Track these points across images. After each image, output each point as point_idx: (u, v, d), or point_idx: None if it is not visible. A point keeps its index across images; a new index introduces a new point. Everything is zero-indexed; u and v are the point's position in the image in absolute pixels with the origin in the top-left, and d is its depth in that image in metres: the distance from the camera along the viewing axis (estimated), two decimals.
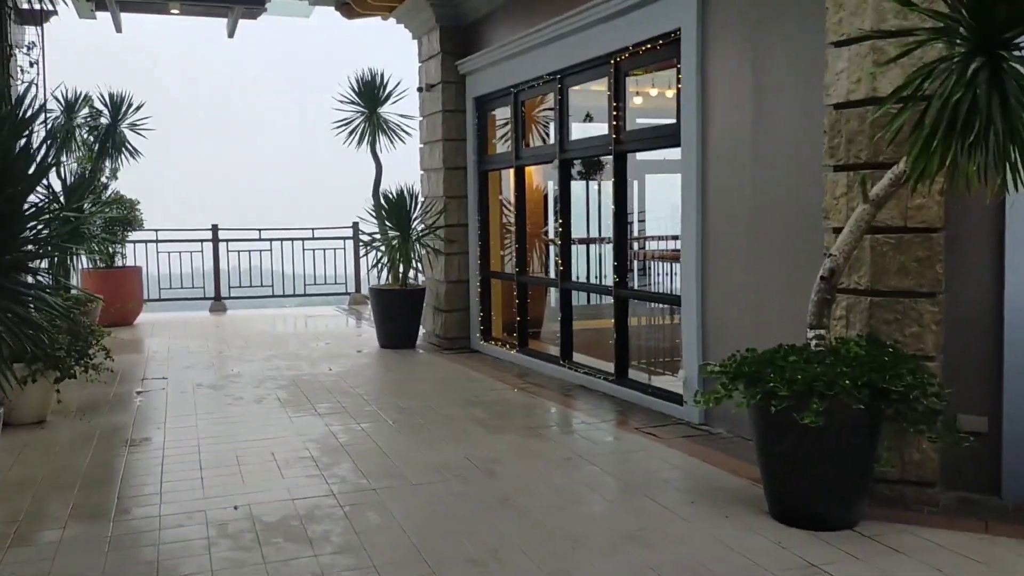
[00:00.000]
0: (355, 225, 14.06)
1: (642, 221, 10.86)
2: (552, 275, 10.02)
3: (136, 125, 9.03)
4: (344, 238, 14.08)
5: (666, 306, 7.12)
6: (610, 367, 6.84)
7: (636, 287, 7.95)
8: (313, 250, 14.00)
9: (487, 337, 8.98)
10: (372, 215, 9.36)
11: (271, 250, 13.79)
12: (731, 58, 5.25)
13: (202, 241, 13.42)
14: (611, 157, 6.57)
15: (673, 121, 5.93)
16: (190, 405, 6.54)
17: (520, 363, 8.10)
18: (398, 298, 9.17)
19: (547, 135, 8.95)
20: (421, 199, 9.35)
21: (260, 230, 13.71)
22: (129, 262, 12.27)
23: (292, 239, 13.88)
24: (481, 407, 6.33)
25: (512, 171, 8.75)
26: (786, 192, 4.86)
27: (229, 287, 13.68)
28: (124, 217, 11.54)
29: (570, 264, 7.53)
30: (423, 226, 9.09)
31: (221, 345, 9.61)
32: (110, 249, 11.56)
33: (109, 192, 11.60)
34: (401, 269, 9.12)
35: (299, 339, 10.12)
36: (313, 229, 13.95)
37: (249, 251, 13.79)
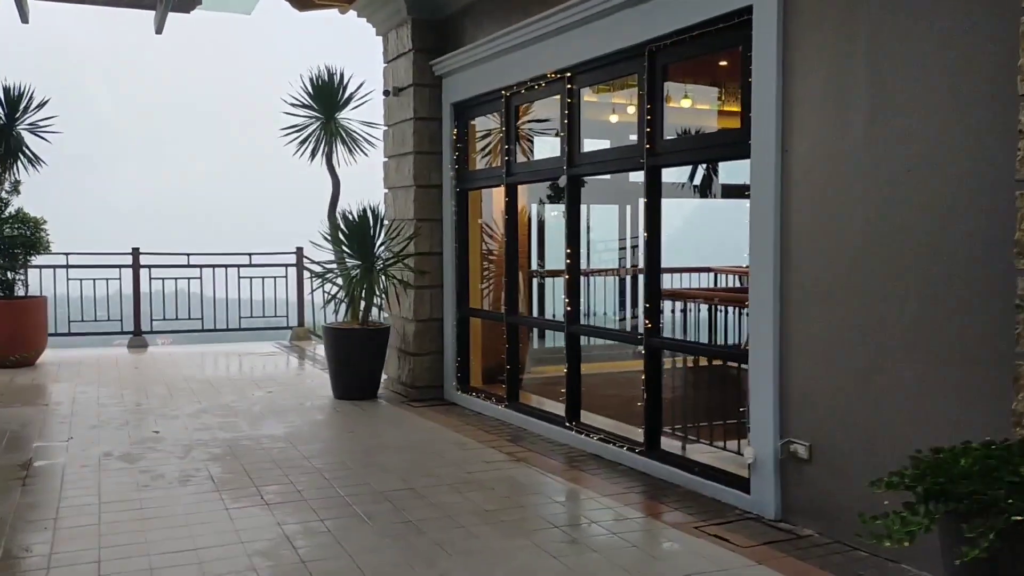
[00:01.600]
0: (299, 251, 12.51)
1: (634, 247, 9.60)
2: (543, 314, 8.68)
3: (38, 126, 7.38)
4: (286, 265, 12.49)
5: (710, 359, 5.77)
6: (635, 434, 5.49)
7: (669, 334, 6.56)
8: (250, 278, 12.39)
9: (465, 387, 7.55)
10: (327, 239, 7.88)
11: (201, 278, 12.13)
12: (831, 42, 3.99)
13: (120, 267, 11.70)
14: (641, 172, 5.25)
15: (736, 127, 4.65)
16: (92, 489, 4.94)
17: (510, 421, 6.69)
18: (358, 340, 7.68)
19: (531, 149, 7.64)
20: (386, 222, 7.91)
21: (188, 255, 12.04)
22: (33, 291, 10.48)
23: (226, 265, 12.24)
24: (481, 491, 4.89)
25: (501, 190, 7.40)
26: (922, 218, 3.60)
27: (151, 320, 11.95)
28: (26, 238, 9.79)
29: (578, 303, 6.17)
30: (389, 254, 7.64)
31: (139, 394, 7.96)
32: (8, 275, 9.78)
33: (9, 209, 9.85)
34: (363, 305, 7.64)
35: (234, 385, 8.52)
36: (250, 255, 12.34)
37: (175, 278, 12.11)
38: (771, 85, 4.24)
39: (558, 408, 6.35)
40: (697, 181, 9.33)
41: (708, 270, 9.44)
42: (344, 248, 7.64)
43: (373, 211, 7.59)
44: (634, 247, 9.59)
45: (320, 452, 5.84)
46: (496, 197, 7.96)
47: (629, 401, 6.08)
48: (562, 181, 5.99)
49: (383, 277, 7.51)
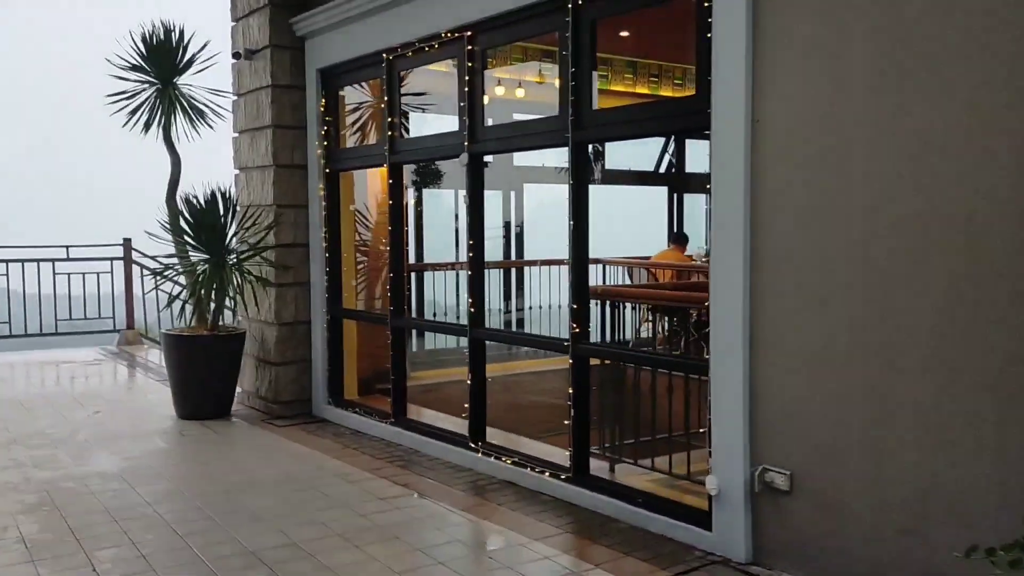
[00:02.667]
0: (127, 242, 10.92)
1: (518, 236, 8.82)
2: (423, 314, 7.74)
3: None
4: (112, 259, 10.87)
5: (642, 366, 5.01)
6: (558, 456, 4.69)
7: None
8: (68, 274, 10.68)
9: (338, 400, 6.51)
10: (166, 229, 6.59)
11: (7, 274, 10.33)
12: None
13: None
14: (565, 149, 4.43)
15: (690, 94, 3.93)
16: None
17: (397, 441, 5.74)
18: (206, 348, 6.47)
19: (406, 125, 6.70)
20: (239, 209, 6.72)
21: None
22: None
23: (38, 260, 10.48)
24: (382, 543, 3.94)
25: (380, 171, 6.42)
26: (943, 203, 2.97)
27: None
28: None
29: (483, 302, 5.30)
30: (244, 246, 6.47)
31: None
32: None
33: None
34: (212, 307, 6.42)
35: (52, 405, 7.07)
36: (68, 247, 10.63)
37: None
38: (740, 38, 3.51)
39: (458, 425, 5.46)
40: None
41: (596, 261, 8.80)
42: (188, 240, 6.40)
43: (224, 195, 6.39)
44: (518, 236, 8.83)
45: (167, 495, 4.68)
46: (372, 180, 6.95)
47: (546, 413, 5.30)
48: (463, 160, 5.08)
49: (237, 274, 6.33)
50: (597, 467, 4.60)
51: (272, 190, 6.54)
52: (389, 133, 5.76)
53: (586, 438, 4.49)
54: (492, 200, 8.84)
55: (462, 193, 9.11)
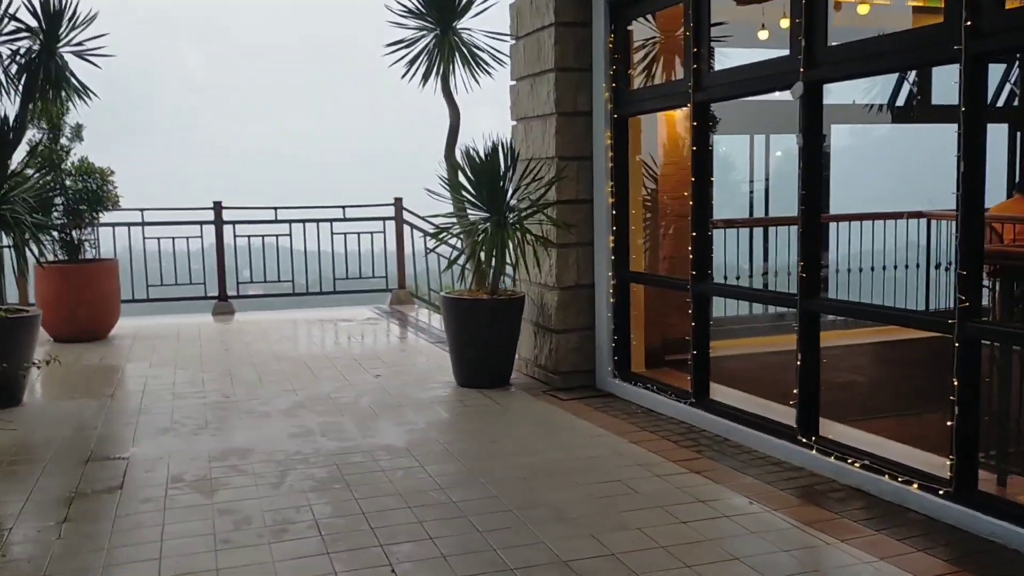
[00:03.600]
0: (398, 202, 10.96)
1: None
2: (717, 277, 6.90)
3: (85, 49, 5.88)
4: (384, 219, 10.96)
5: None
6: (930, 464, 3.71)
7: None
8: (344, 234, 10.91)
9: (624, 373, 5.86)
10: (444, 186, 6.22)
11: (290, 235, 10.71)
12: None
13: (202, 224, 10.36)
14: (957, 67, 3.37)
15: None
16: (150, 544, 3.45)
17: (698, 425, 4.98)
18: (487, 313, 6.05)
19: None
20: (519, 162, 6.20)
21: (276, 208, 10.61)
22: (104, 253, 9.21)
23: (317, 220, 10.78)
24: (723, 564, 3.20)
25: (669, 115, 5.64)
26: None
27: (237, 283, 10.63)
28: (91, 192, 8.47)
29: (818, 266, 4.37)
30: (526, 203, 5.94)
31: (222, 380, 6.53)
32: (72, 236, 8.50)
33: (71, 159, 8.53)
34: (492, 269, 5.98)
35: (334, 366, 7.04)
36: (344, 207, 10.84)
37: (263, 235, 10.74)
38: None
39: (775, 412, 4.61)
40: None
41: (919, 215, 7.45)
42: (468, 197, 5.97)
43: (506, 147, 5.88)
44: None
45: (459, 478, 4.24)
46: (663, 126, 6.17)
47: (898, 401, 4.32)
48: (796, 91, 4.15)
49: (518, 233, 5.82)
50: (988, 482, 3.57)
51: (554, 141, 5.94)
52: (694, 66, 4.91)
53: (974, 445, 3.47)
54: (784, 144, 7.76)
55: (726, 140, 8.09)
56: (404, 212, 10.96)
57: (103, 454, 4.71)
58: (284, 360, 7.29)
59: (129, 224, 10.06)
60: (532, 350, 6.39)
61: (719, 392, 5.13)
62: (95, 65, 5.97)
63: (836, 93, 7.29)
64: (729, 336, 6.87)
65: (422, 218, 10.91)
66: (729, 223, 6.99)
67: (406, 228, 10.96)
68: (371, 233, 11.00)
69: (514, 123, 6.58)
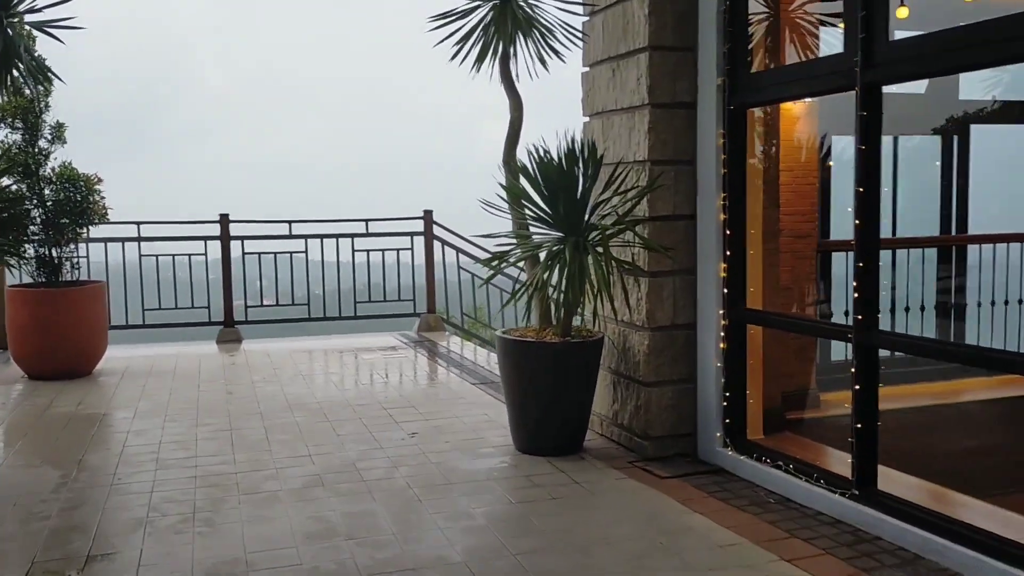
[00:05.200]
0: (428, 214, 9.66)
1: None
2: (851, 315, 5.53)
3: (46, 20, 4.59)
4: (412, 234, 9.67)
5: None
6: None
7: None
8: (367, 251, 9.63)
9: (739, 442, 4.50)
10: (503, 196, 4.89)
11: (306, 251, 9.43)
12: None
13: (206, 239, 9.10)
14: None
15: None
16: None
17: (866, 527, 3.62)
18: (556, 359, 4.70)
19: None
20: (602, 167, 4.85)
21: (290, 222, 9.33)
22: (86, 272, 7.95)
23: (336, 235, 9.51)
24: None
25: (803, 108, 4.34)
26: None
27: (246, 306, 9.34)
28: (75, 204, 7.21)
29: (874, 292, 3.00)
30: (610, 219, 4.61)
31: (221, 438, 5.22)
32: (51, 254, 7.24)
33: (50, 164, 7.28)
34: (566, 303, 4.63)
35: (358, 416, 5.73)
36: (367, 220, 9.55)
37: (274, 253, 9.47)
38: None
39: (995, 517, 3.25)
40: None
41: None
42: (537, 212, 4.64)
43: (586, 147, 4.55)
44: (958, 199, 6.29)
45: None
46: (792, 119, 4.84)
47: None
48: None
49: (601, 258, 4.47)
50: None
51: (645, 140, 4.61)
52: (862, 35, 3.57)
53: None
54: (917, 148, 6.40)
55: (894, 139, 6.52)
56: (434, 226, 9.67)
57: (48, 568, 3.39)
58: (298, 408, 5.97)
59: (123, 239, 8.83)
60: (611, 405, 5.05)
61: (890, 479, 3.76)
62: (58, 40, 4.69)
63: (981, 84, 5.95)
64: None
65: (455, 233, 9.63)
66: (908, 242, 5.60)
67: (436, 244, 9.67)
68: (397, 250, 9.73)
69: (586, 119, 5.26)
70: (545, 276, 4.54)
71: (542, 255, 4.65)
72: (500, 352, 4.91)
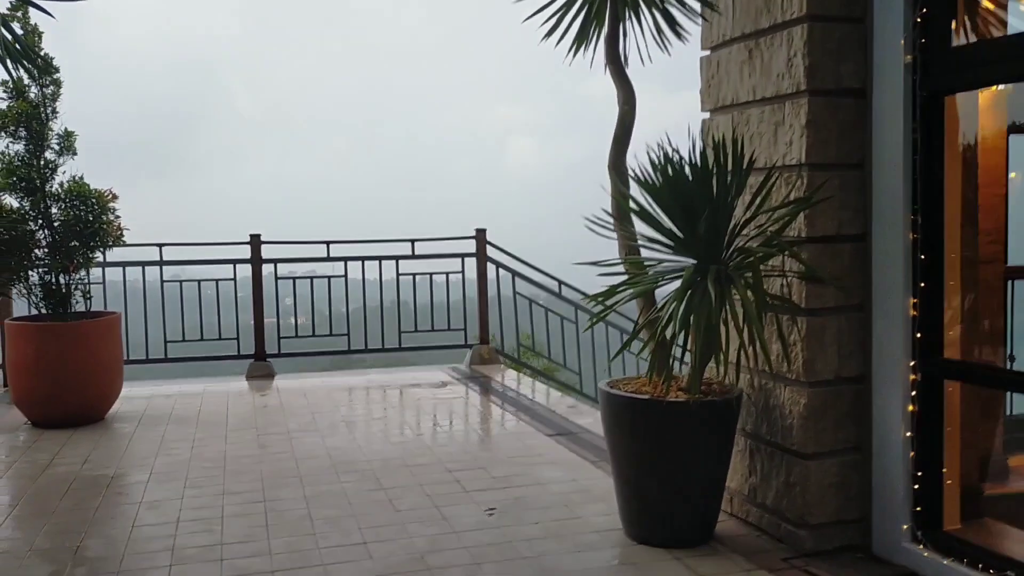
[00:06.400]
0: (480, 234, 8.64)
1: None
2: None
3: None
4: (463, 255, 8.65)
5: None
6: None
7: None
8: (412, 275, 8.62)
9: (935, 536, 3.38)
10: (612, 211, 3.83)
11: (346, 275, 8.44)
12: None
13: (235, 262, 8.14)
14: None
15: None
16: None
17: None
18: (683, 422, 3.61)
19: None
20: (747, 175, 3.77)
21: (328, 243, 8.35)
22: (101, 301, 7.01)
23: (379, 257, 8.51)
24: None
25: (992, 96, 3.26)
26: None
27: (279, 337, 8.34)
28: (86, 224, 6.27)
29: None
30: (758, 242, 3.53)
31: (252, 512, 4.19)
32: (59, 282, 6.29)
33: (58, 177, 6.35)
34: (700, 352, 3.55)
35: (417, 481, 4.68)
36: (412, 241, 8.54)
37: (311, 277, 8.50)
38: None
39: None
40: None
41: None
42: (660, 232, 3.57)
43: (732, 146, 3.48)
44: None
45: None
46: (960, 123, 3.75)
47: None
48: None
49: (748, 292, 3.39)
50: None
51: (802, 138, 3.55)
52: None
53: None
54: None
55: None
56: (488, 247, 8.64)
57: None
58: (344, 470, 4.93)
59: (143, 263, 7.90)
60: (746, 478, 3.95)
61: None
62: (47, 13, 3.73)
63: None
64: None
65: (512, 255, 8.60)
66: None
67: (490, 267, 8.64)
68: (446, 273, 8.71)
69: (706, 115, 4.21)
70: (671, 313, 3.46)
71: (667, 287, 3.58)
72: (606, 411, 3.84)
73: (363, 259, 8.42)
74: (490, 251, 8.61)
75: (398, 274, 8.48)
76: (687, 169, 3.45)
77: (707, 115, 4.20)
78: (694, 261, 3.56)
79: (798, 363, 3.61)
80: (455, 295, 8.67)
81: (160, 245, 7.91)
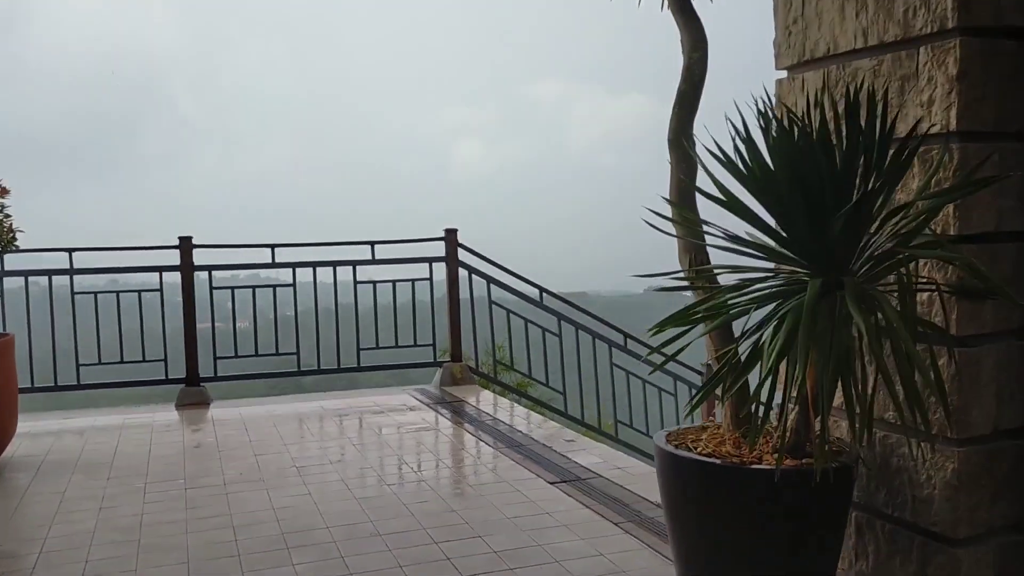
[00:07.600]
0: (451, 234, 7.52)
1: None
2: None
3: None
4: (430, 259, 7.51)
5: None
6: None
7: None
8: (372, 283, 7.47)
9: None
10: (675, 197, 2.76)
11: (294, 284, 7.24)
12: None
13: (162, 270, 6.90)
14: None
15: None
16: None
17: None
18: (768, 494, 2.56)
19: None
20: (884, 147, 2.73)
21: (272, 246, 7.13)
22: None
23: (333, 262, 7.33)
24: None
25: None
26: None
27: (215, 358, 7.09)
28: None
29: None
30: (889, 244, 2.49)
31: None
32: None
33: None
34: (822, 395, 2.50)
35: (396, 562, 3.55)
36: (373, 244, 7.37)
37: (252, 286, 7.29)
38: None
39: None
40: None
41: None
42: (752, 224, 2.51)
43: (877, 101, 2.43)
44: None
45: None
46: None
47: None
48: None
49: (877, 314, 2.35)
50: None
51: (951, 94, 2.52)
52: None
53: None
54: None
55: None
56: (459, 249, 7.52)
57: None
58: (297, 542, 3.77)
59: (50, 272, 6.61)
60: (853, 563, 2.91)
61: None
62: None
63: None
64: None
65: (487, 260, 7.50)
66: None
67: (462, 272, 7.52)
68: (411, 280, 7.57)
69: (782, 75, 3.16)
70: (779, 348, 2.40)
71: (764, 308, 2.52)
72: (666, 475, 2.77)
73: (314, 264, 7.23)
74: (462, 255, 7.49)
75: (356, 282, 7.31)
76: (799, 138, 2.38)
77: (783, 74, 3.16)
78: (805, 271, 2.50)
79: (940, 411, 2.58)
80: (422, 305, 7.53)
81: (70, 250, 6.62)
